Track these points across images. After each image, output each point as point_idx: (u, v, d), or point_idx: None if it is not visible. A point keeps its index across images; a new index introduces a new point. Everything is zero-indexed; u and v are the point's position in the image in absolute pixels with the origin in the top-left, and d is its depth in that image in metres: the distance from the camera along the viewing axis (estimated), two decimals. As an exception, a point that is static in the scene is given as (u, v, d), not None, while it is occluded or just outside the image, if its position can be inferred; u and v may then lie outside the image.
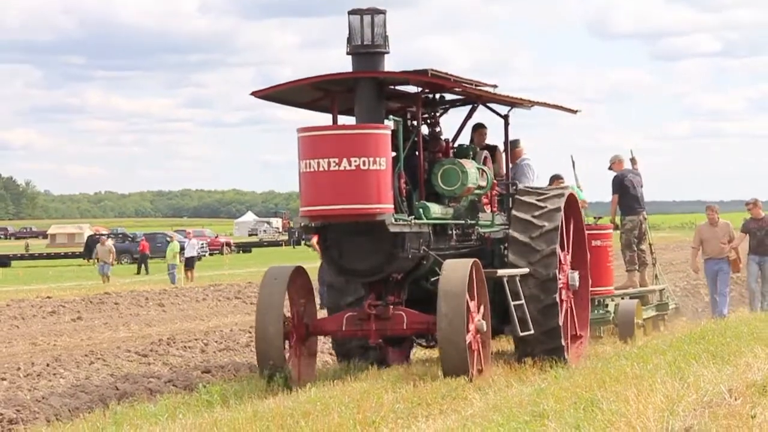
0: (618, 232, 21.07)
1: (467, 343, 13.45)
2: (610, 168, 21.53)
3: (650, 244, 21.69)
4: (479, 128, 17.05)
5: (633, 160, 21.68)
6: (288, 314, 14.60)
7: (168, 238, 53.51)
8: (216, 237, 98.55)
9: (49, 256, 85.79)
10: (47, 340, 23.20)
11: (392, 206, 13.71)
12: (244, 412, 11.77)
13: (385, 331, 14.36)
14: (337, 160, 13.30)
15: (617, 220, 21.32)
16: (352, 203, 13.43)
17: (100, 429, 11.72)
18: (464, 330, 13.29)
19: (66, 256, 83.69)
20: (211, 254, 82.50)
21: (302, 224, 14.34)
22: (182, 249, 48.61)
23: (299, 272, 14.87)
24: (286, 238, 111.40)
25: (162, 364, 18.23)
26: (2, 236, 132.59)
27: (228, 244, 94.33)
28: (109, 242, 51.40)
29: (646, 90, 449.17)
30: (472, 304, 13.77)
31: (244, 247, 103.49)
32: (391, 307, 14.31)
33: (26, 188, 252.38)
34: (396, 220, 13.67)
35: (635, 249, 20.92)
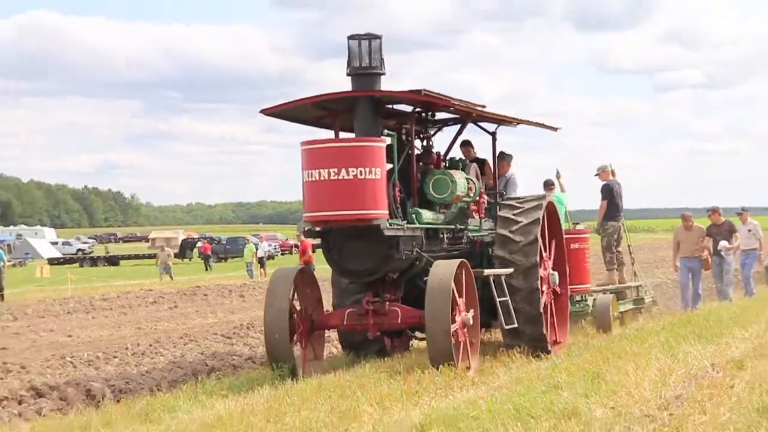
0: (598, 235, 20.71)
1: (452, 334, 12.64)
2: (596, 176, 20.96)
3: (629, 246, 21.22)
4: (466, 145, 16.27)
5: (613, 173, 21.04)
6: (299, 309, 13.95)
7: (246, 241, 53.53)
8: (286, 240, 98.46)
9: (150, 257, 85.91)
10: (149, 325, 23.35)
11: (387, 212, 12.97)
12: (310, 384, 11.80)
13: (382, 325, 13.64)
14: (336, 170, 12.56)
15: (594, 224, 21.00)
16: (350, 209, 12.67)
17: (193, 398, 11.77)
18: (449, 323, 12.46)
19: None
20: (282, 254, 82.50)
21: (306, 228, 13.49)
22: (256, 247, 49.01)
23: (304, 272, 14.29)
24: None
25: (243, 345, 18.30)
26: (112, 240, 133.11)
27: (296, 246, 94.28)
28: (168, 249, 51.41)
29: (642, 115, 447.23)
30: (460, 301, 13.02)
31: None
32: (388, 303, 13.55)
33: (131, 200, 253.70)
34: (390, 225, 12.95)
35: (614, 251, 20.41)
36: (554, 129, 17.38)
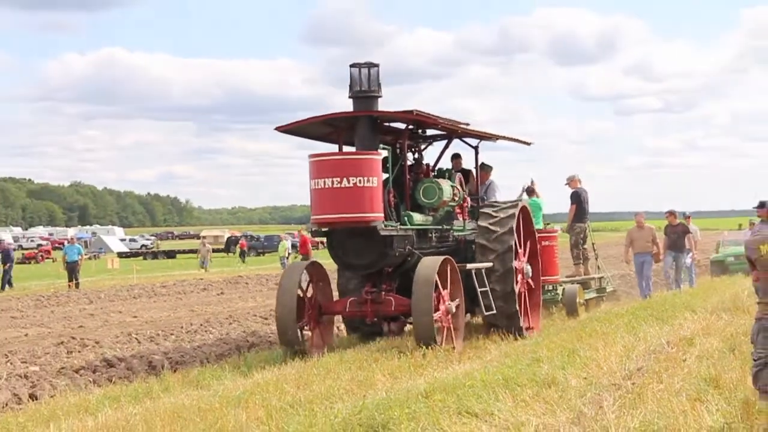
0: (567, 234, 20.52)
1: (437, 320, 12.49)
2: (566, 184, 20.63)
3: (593, 244, 20.86)
4: (456, 157, 16.18)
5: (579, 181, 20.74)
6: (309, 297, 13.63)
7: (280, 239, 53.20)
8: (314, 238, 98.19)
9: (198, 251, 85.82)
10: (201, 308, 23.35)
11: (382, 215, 12.82)
12: (333, 358, 11.78)
13: (379, 311, 13.42)
14: (339, 179, 12.40)
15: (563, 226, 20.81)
16: (350, 213, 12.51)
17: (237, 368, 11.76)
18: (431, 309, 12.22)
19: (213, 251, 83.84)
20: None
21: (313, 229, 13.33)
22: (294, 246, 48.95)
23: (315, 265, 14.04)
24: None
25: (278, 325, 18.27)
26: (170, 237, 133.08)
27: (322, 242, 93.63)
28: (208, 245, 51.06)
29: (611, 135, 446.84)
30: (445, 292, 12.81)
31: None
32: (383, 293, 13.38)
33: (186, 204, 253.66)
34: (385, 226, 12.83)
35: (581, 248, 20.19)
36: (528, 143, 17.16)
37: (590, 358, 10.16)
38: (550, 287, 18.04)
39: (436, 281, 12.50)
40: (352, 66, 13.29)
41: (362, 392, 9.13)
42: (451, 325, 12.94)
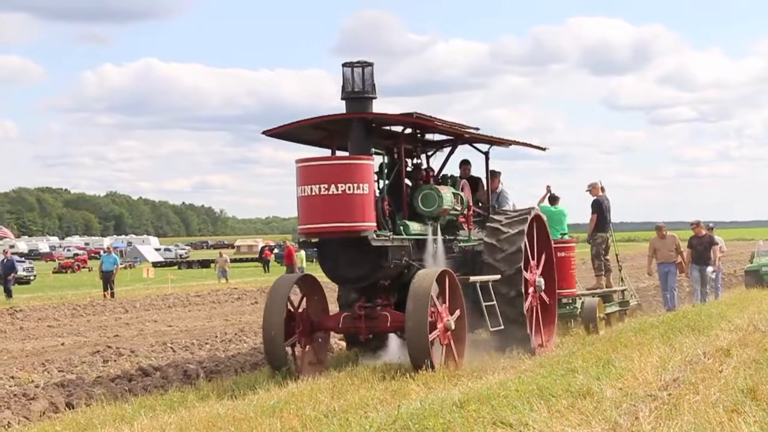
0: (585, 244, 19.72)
1: (431, 338, 11.46)
2: (588, 191, 19.78)
3: (616, 255, 19.95)
4: (465, 164, 15.15)
5: (602, 188, 19.92)
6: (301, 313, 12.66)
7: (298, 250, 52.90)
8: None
9: (234, 261, 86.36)
10: (235, 317, 23.44)
11: (374, 224, 11.77)
12: (367, 367, 11.73)
13: (374, 328, 12.39)
14: (326, 186, 11.45)
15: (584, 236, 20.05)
16: (339, 222, 11.54)
17: (271, 377, 11.75)
18: (426, 327, 11.21)
19: (246, 260, 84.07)
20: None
21: (300, 240, 12.38)
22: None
23: (306, 279, 13.07)
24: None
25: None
26: (204, 247, 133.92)
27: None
28: (226, 255, 50.71)
29: (644, 145, 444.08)
30: (443, 307, 11.78)
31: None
32: (378, 308, 12.34)
33: (220, 214, 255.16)
34: (378, 236, 11.80)
35: (602, 259, 19.25)
36: (542, 149, 16.23)
37: (626, 368, 10.10)
38: (569, 300, 17.10)
39: (434, 295, 11.61)
40: (344, 65, 12.36)
41: (396, 402, 9.10)
42: (451, 343, 11.96)
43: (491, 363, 12.10)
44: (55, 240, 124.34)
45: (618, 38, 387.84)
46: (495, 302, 12.95)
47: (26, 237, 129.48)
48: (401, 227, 12.49)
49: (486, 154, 14.90)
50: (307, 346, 12.66)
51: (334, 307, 13.99)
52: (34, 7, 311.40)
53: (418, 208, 12.96)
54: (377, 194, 12.17)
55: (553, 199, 18.36)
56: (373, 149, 12.33)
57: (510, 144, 14.98)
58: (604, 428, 7.31)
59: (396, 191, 12.79)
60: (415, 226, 12.81)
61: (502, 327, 12.92)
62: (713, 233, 22.50)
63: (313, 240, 12.17)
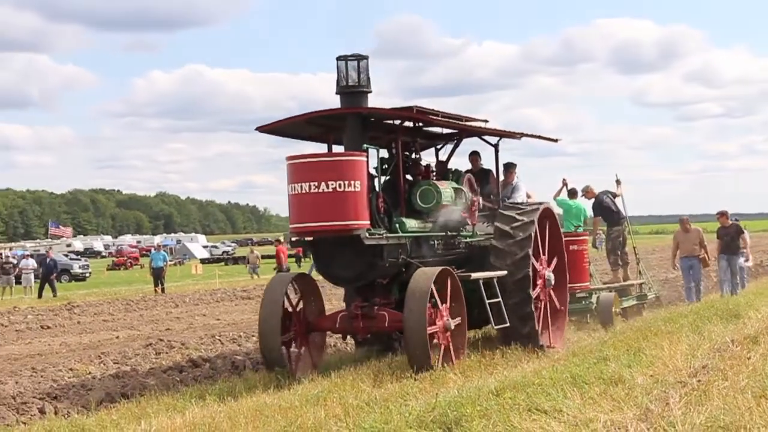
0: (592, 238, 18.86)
1: (434, 337, 10.91)
2: (583, 195, 18.84)
3: (634, 247, 19.31)
4: (473, 155, 14.32)
5: (618, 182, 19.22)
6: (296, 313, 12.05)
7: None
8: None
9: (270, 257, 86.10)
10: (279, 310, 23.48)
11: (367, 222, 11.04)
12: (404, 358, 11.67)
13: (371, 328, 11.75)
14: (316, 183, 10.72)
15: (602, 232, 19.38)
16: (330, 220, 10.81)
17: (316, 368, 11.79)
18: (425, 327, 10.54)
19: (290, 256, 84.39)
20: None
21: (292, 239, 11.60)
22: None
23: (302, 277, 12.38)
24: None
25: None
26: (249, 244, 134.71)
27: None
28: (257, 252, 50.38)
29: (671, 140, 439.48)
30: (443, 306, 11.09)
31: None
32: (376, 307, 11.62)
33: (264, 212, 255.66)
34: (371, 235, 11.06)
35: (618, 253, 18.66)
36: (554, 140, 15.02)
37: (656, 356, 10.05)
38: (584, 295, 16.25)
39: (434, 294, 10.96)
40: (338, 59, 11.61)
41: (435, 390, 9.13)
42: (450, 344, 11.24)
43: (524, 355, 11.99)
44: (108, 239, 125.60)
45: (645, 38, 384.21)
46: (500, 299, 12.13)
47: (81, 236, 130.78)
48: (397, 225, 11.79)
49: (495, 146, 13.78)
50: (303, 347, 12.10)
51: (330, 306, 13.27)
52: (86, 18, 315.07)
53: (416, 204, 12.29)
54: (375, 191, 11.54)
55: (572, 194, 18.09)
56: (366, 144, 11.58)
57: (521, 136, 13.99)
58: (636, 414, 7.29)
59: (394, 187, 12.17)
60: (412, 223, 12.08)
61: (508, 324, 12.16)
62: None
63: (308, 239, 11.51)
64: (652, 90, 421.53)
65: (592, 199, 18.85)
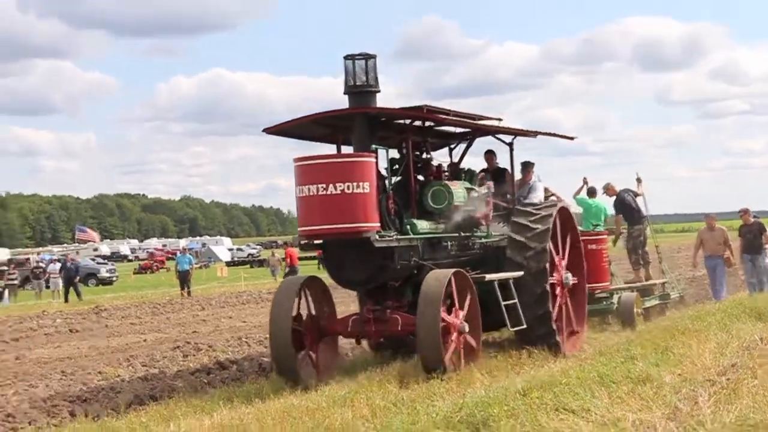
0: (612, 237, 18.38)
1: (448, 341, 10.65)
2: (604, 193, 18.47)
3: (656, 246, 18.93)
4: (489, 154, 14.00)
5: (639, 180, 18.81)
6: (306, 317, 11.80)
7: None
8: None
9: (300, 258, 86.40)
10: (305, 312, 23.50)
11: (377, 224, 10.73)
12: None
13: (384, 331, 11.49)
14: (324, 185, 10.43)
15: (623, 229, 18.77)
16: (339, 223, 10.50)
17: (343, 369, 11.79)
18: (438, 330, 10.28)
19: (311, 258, 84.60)
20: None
21: (301, 242, 11.31)
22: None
23: (313, 280, 12.04)
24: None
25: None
26: (274, 246, 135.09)
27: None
28: (277, 255, 50.26)
29: (695, 138, 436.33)
30: (456, 309, 10.84)
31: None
32: (388, 311, 11.36)
33: (288, 215, 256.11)
34: (381, 237, 10.72)
35: (639, 252, 18.19)
36: (571, 138, 14.61)
37: (684, 355, 9.98)
38: (605, 295, 15.82)
39: (452, 296, 10.77)
40: (346, 58, 11.30)
41: (462, 391, 9.11)
42: (463, 347, 10.94)
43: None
44: (135, 242, 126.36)
45: (668, 36, 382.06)
46: (516, 300, 11.82)
47: (108, 240, 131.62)
48: (408, 226, 11.45)
49: (510, 145, 13.31)
50: (315, 352, 11.78)
51: (341, 310, 12.96)
52: (109, 25, 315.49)
53: (428, 205, 11.98)
54: (385, 192, 11.26)
55: (591, 192, 17.95)
56: (375, 145, 11.34)
57: (536, 134, 13.56)
58: (665, 413, 7.23)
59: (405, 188, 11.86)
60: (424, 225, 11.75)
61: (525, 326, 11.87)
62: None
63: (317, 242, 11.21)
64: (676, 88, 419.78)
65: (614, 197, 18.61)
